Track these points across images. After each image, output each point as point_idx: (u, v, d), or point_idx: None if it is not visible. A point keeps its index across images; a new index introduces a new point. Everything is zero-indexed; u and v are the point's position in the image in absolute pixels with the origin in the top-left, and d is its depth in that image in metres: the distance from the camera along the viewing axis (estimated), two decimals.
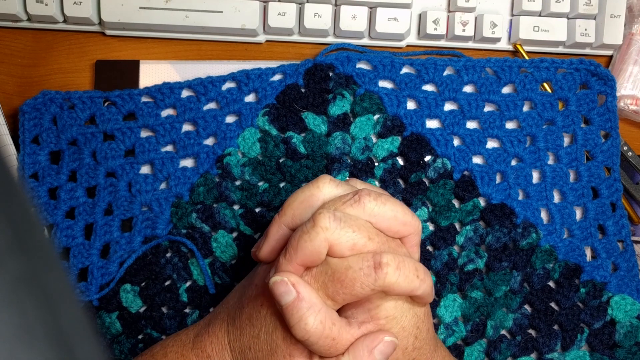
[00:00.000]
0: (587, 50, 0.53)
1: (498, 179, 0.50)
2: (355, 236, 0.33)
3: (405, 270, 0.32)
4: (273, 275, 0.33)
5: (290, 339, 0.34)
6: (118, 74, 0.51)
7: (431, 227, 0.49)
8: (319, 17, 0.50)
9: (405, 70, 0.50)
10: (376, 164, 0.49)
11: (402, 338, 0.34)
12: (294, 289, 0.32)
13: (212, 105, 0.50)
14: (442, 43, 0.52)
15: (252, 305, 0.36)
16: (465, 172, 0.49)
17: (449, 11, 0.52)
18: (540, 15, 0.52)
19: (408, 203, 0.48)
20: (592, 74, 0.50)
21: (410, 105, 0.50)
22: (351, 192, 0.35)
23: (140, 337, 0.47)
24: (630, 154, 0.52)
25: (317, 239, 0.32)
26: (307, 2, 0.50)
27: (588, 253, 0.50)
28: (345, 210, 0.34)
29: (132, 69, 0.51)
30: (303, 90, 0.49)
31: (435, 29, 0.51)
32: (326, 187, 0.36)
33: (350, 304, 0.34)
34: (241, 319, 0.36)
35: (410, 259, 0.33)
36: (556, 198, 0.50)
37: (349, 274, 0.32)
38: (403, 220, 0.35)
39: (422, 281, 0.33)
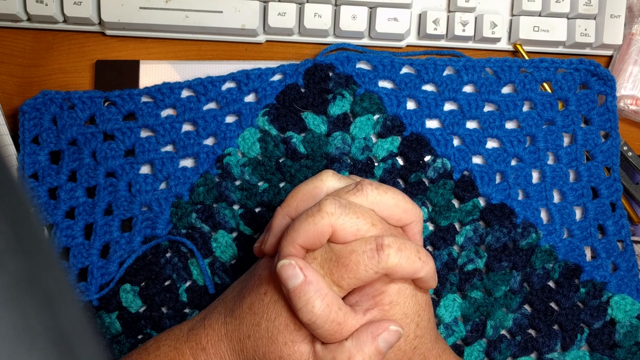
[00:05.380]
0: (587, 50, 0.53)
1: (498, 179, 0.50)
2: (359, 222, 0.33)
3: (407, 252, 0.33)
4: (279, 260, 0.33)
5: (294, 325, 0.34)
6: (118, 74, 0.51)
7: (431, 227, 0.49)
8: (319, 17, 0.50)
9: (405, 70, 0.50)
10: (376, 164, 0.49)
11: (404, 325, 0.35)
12: (301, 272, 0.33)
13: (212, 105, 0.50)
14: (442, 43, 0.52)
15: (254, 295, 0.36)
16: (465, 172, 0.49)
17: (449, 11, 0.52)
18: (540, 15, 0.52)
19: None
20: (592, 74, 0.50)
21: (410, 105, 0.50)
22: (353, 183, 0.36)
23: (140, 337, 0.47)
24: (630, 154, 0.52)
25: (322, 222, 0.33)
26: (307, 2, 0.50)
27: (588, 253, 0.50)
28: (348, 198, 0.34)
29: (132, 69, 0.51)
30: (303, 90, 0.49)
31: (435, 29, 0.51)
32: (329, 180, 0.37)
33: (355, 292, 0.35)
34: (241, 309, 0.37)
35: (412, 242, 0.34)
36: (556, 198, 0.50)
37: (353, 257, 0.33)
38: (404, 208, 0.36)
39: (424, 263, 0.33)
